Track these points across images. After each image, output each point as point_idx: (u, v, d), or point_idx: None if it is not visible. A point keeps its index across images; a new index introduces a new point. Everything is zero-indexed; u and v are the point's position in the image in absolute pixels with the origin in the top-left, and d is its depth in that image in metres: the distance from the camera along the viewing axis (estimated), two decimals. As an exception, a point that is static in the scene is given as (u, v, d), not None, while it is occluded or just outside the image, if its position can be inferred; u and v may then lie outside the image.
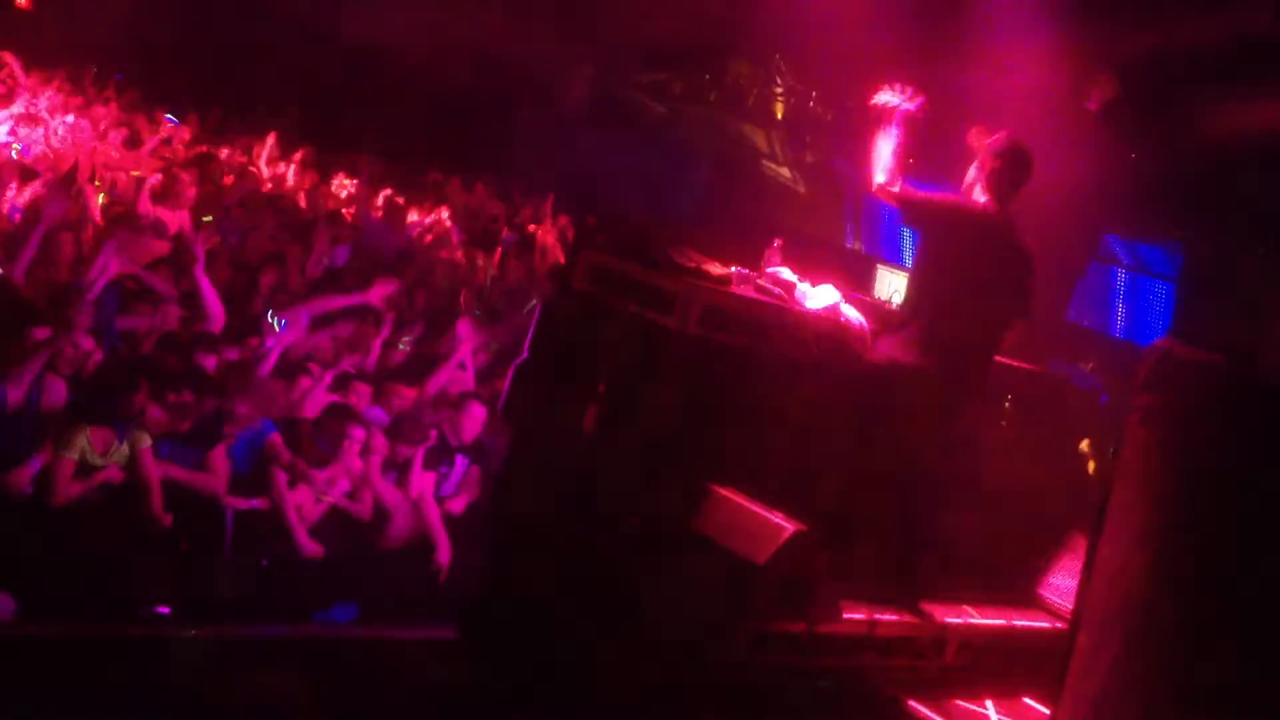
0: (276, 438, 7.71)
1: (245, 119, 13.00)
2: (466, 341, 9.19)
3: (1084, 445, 7.22)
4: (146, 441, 7.13)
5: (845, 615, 5.63)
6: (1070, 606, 5.82)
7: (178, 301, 8.49)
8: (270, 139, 12.78)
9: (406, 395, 8.57)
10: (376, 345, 9.05)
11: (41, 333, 7.10)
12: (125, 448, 7.06)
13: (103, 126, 11.75)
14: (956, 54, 9.99)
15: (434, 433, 8.32)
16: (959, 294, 5.91)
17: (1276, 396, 4.48)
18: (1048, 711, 5.34)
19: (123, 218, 9.17)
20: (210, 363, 7.92)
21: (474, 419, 8.49)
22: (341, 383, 8.46)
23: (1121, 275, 11.02)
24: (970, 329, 5.97)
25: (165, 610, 7.08)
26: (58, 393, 7.10)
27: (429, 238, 11.94)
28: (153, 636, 6.69)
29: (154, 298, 8.40)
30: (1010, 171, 6.05)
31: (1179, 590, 4.49)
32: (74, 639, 6.18)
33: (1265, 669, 4.30)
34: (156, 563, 7.15)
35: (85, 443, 6.94)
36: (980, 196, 6.07)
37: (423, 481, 8.21)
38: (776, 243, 6.41)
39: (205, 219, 9.93)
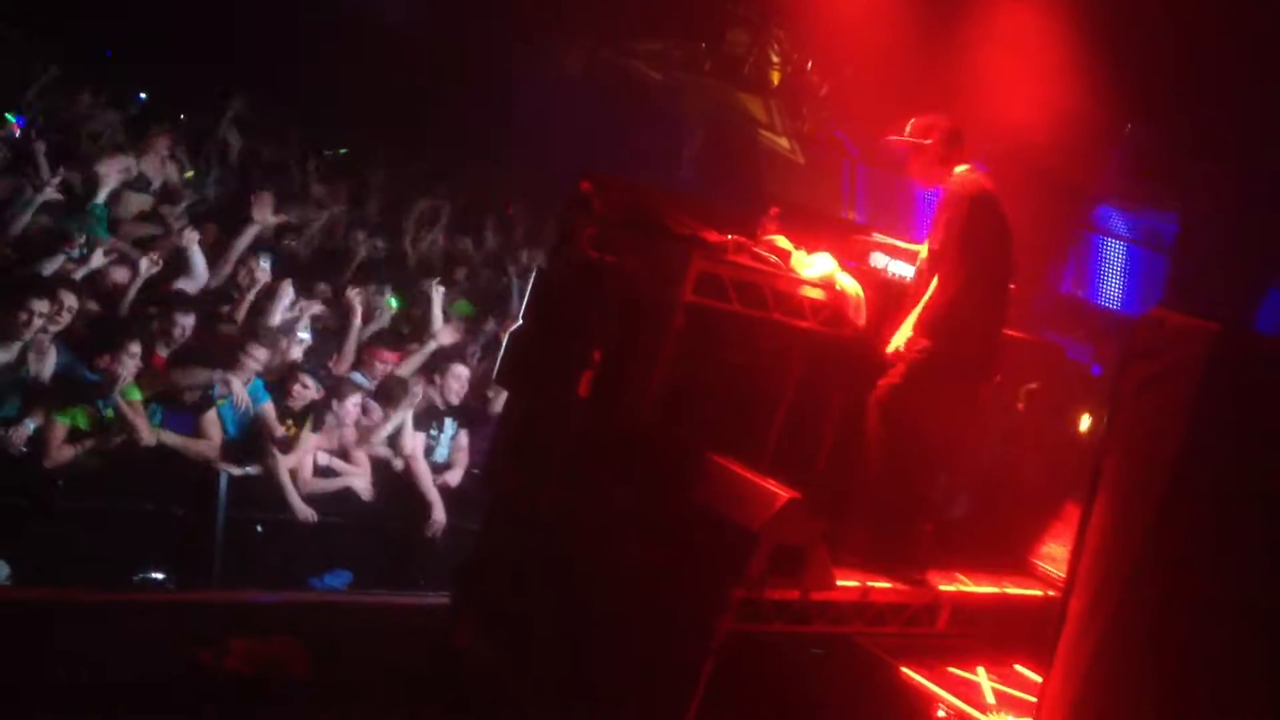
0: (269, 408, 7.71)
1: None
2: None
3: (1077, 414, 7.22)
4: (137, 401, 7.13)
5: (838, 582, 5.64)
6: (1062, 574, 5.84)
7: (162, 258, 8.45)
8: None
9: (389, 360, 8.59)
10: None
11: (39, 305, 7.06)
12: (116, 411, 7.06)
13: None
14: (951, 24, 9.95)
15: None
16: (975, 272, 5.91)
17: (1271, 362, 4.49)
18: (1040, 678, 5.36)
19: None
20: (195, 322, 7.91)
21: (459, 379, 8.52)
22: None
23: (1115, 246, 11.01)
24: (988, 305, 6.01)
25: (159, 575, 7.10)
26: (49, 356, 7.08)
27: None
28: (146, 601, 6.72)
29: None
30: (948, 137, 6.10)
31: (1172, 557, 4.51)
32: (67, 603, 6.18)
33: (1258, 633, 4.32)
34: (150, 527, 7.17)
35: (79, 407, 6.93)
36: (948, 172, 6.06)
37: (413, 443, 8.24)
38: (773, 211, 6.39)
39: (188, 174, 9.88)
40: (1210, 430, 4.54)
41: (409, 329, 9.32)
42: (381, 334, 8.90)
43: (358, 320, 8.78)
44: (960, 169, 6.07)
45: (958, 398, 6.09)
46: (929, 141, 6.10)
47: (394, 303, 9.46)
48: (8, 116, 9.09)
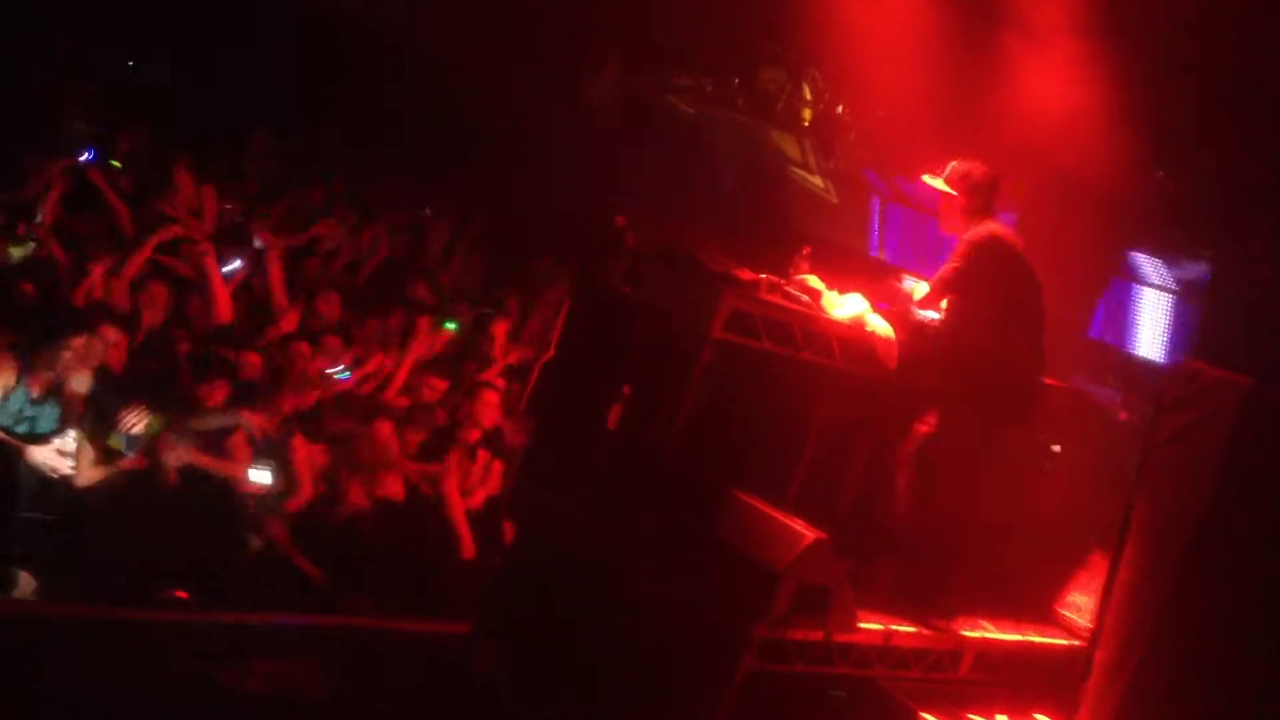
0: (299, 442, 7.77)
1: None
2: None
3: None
4: (170, 429, 7.18)
5: (862, 625, 5.62)
6: (1087, 624, 5.81)
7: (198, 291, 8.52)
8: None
9: (438, 387, 8.60)
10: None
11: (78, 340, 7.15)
12: (148, 435, 7.11)
13: None
14: (983, 69, 9.97)
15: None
16: (997, 319, 5.95)
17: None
18: (1062, 729, 5.34)
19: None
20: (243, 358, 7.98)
21: (489, 405, 8.52)
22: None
23: (1145, 292, 10.97)
24: (1019, 352, 6.03)
25: (183, 595, 7.13)
26: (83, 380, 7.14)
27: None
28: (169, 619, 6.74)
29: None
30: (976, 190, 6.11)
31: (1201, 611, 4.49)
32: (90, 619, 6.22)
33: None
34: (175, 547, 7.20)
35: (111, 429, 6.98)
36: (971, 225, 6.09)
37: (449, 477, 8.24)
38: (805, 250, 6.42)
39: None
40: (1240, 483, 4.53)
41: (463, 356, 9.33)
42: (433, 361, 8.91)
43: (414, 347, 8.78)
44: (983, 226, 6.07)
45: (991, 446, 6.08)
46: (955, 193, 6.13)
47: (451, 326, 9.46)
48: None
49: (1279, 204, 9.26)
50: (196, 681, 5.67)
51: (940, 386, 5.97)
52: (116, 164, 9.91)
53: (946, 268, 6.05)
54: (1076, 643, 6.27)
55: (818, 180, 12.21)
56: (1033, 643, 6.38)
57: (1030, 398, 6.15)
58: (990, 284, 5.96)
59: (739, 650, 5.26)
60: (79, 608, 6.32)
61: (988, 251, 5.96)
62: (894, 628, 5.77)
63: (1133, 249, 10.85)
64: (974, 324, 5.95)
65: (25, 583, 6.50)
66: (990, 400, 5.94)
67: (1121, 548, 4.89)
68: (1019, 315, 6.02)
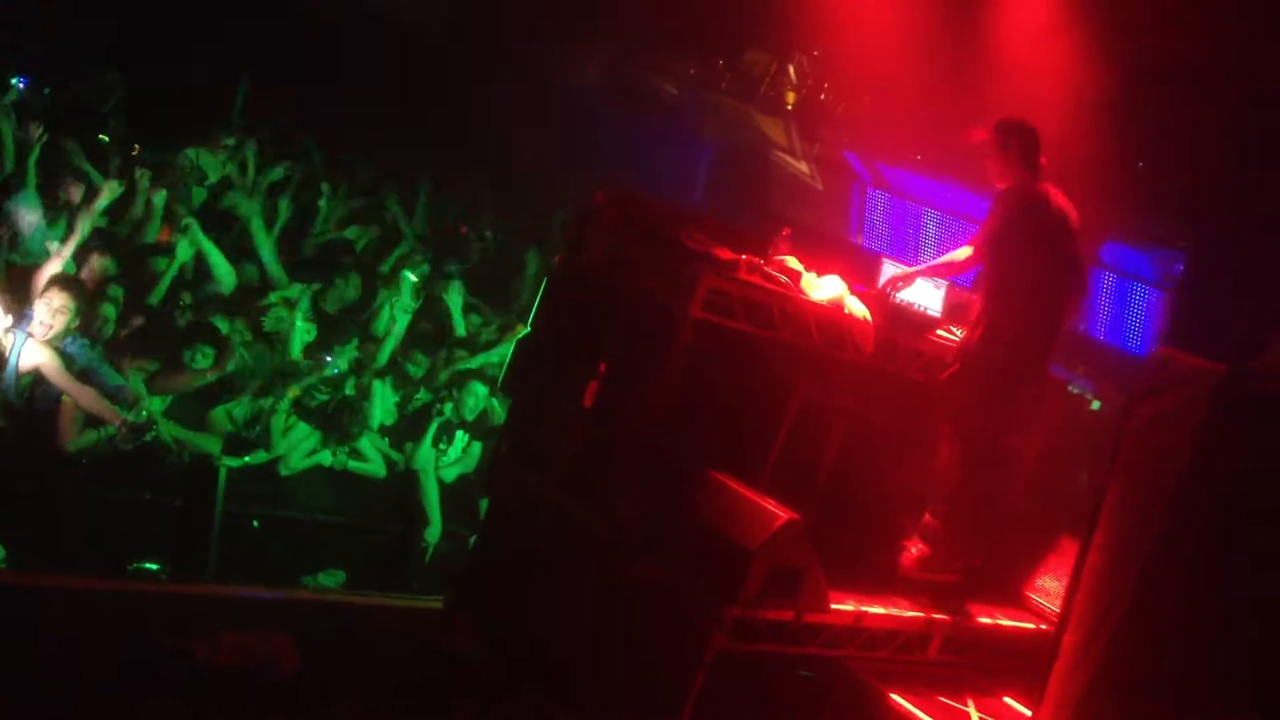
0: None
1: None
2: None
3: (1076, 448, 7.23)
4: (146, 397, 7.15)
5: (832, 605, 5.64)
6: (1056, 608, 5.85)
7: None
8: None
9: (420, 364, 8.57)
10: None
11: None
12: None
13: None
14: (968, 57, 9.98)
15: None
16: (1020, 274, 6.01)
17: (1275, 405, 4.50)
18: (1028, 712, 5.36)
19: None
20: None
21: (475, 395, 8.50)
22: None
23: (1119, 282, 11.01)
24: (1035, 309, 6.08)
25: (153, 565, 7.12)
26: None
27: None
28: (140, 591, 6.72)
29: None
30: (1024, 143, 6.16)
31: (1169, 597, 4.52)
32: (61, 589, 6.19)
33: (1251, 674, 4.33)
34: (148, 517, 7.18)
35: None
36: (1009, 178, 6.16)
37: (426, 457, 8.23)
38: (785, 232, 6.42)
39: None
40: (1211, 471, 4.55)
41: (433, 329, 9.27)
42: (417, 337, 8.89)
43: (398, 328, 8.71)
44: (1023, 179, 6.12)
45: (1003, 400, 6.14)
46: (1010, 143, 6.18)
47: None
48: (13, 81, 8.89)
49: (1253, 194, 9.31)
50: (166, 653, 5.65)
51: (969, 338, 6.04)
52: (104, 138, 9.79)
53: (983, 231, 6.12)
54: (1045, 627, 6.32)
55: (804, 166, 12.19)
56: (1002, 626, 6.42)
57: (1040, 361, 6.23)
58: (1007, 245, 6.00)
59: (711, 629, 5.27)
60: (48, 577, 6.29)
61: (1025, 213, 6.02)
62: (864, 609, 5.79)
63: (1108, 238, 10.89)
64: (1011, 280, 6.01)
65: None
66: (1002, 362, 6.02)
67: (1092, 533, 4.92)
68: (1036, 281, 6.04)
